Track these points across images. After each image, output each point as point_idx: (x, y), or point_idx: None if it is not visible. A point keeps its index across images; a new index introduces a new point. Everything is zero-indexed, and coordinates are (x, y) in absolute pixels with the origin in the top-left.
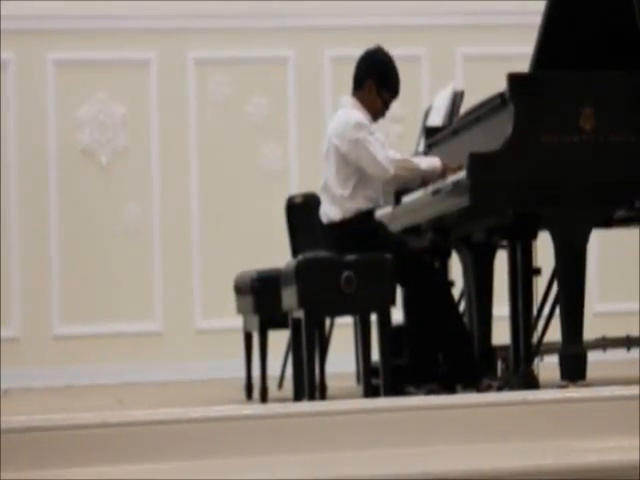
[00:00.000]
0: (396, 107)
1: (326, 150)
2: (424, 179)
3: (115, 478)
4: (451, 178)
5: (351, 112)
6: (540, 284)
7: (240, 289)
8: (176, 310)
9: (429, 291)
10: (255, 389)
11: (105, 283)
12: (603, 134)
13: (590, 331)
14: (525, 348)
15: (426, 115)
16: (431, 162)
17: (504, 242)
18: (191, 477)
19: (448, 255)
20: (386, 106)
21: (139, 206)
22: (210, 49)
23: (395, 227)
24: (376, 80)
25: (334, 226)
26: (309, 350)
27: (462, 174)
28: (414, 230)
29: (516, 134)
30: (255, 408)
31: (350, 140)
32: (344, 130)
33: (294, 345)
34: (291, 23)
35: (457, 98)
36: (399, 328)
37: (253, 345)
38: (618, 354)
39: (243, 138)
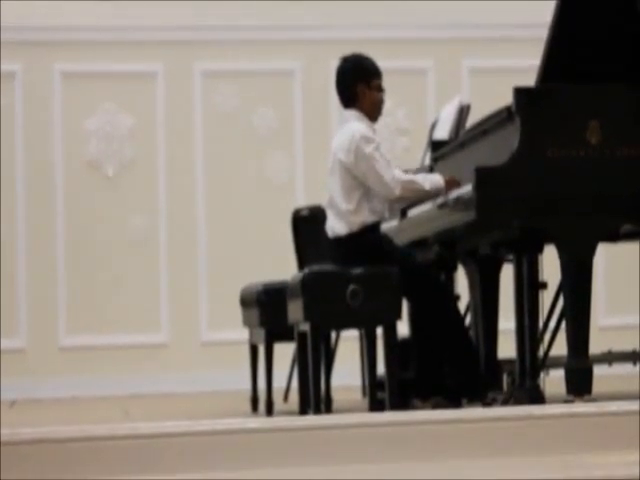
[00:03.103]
0: (402, 120)
1: (331, 165)
2: (429, 197)
3: None
4: (456, 192)
5: (355, 125)
6: (546, 298)
7: (246, 301)
8: (182, 322)
9: (435, 305)
10: (261, 402)
11: (111, 294)
12: (610, 148)
13: (596, 345)
14: (531, 362)
15: (432, 128)
16: (434, 181)
17: (510, 256)
18: None
19: (454, 268)
20: (382, 92)
21: (145, 218)
22: (217, 61)
23: (401, 240)
24: (363, 81)
25: (340, 240)
26: (315, 363)
27: (467, 188)
28: (420, 243)
29: (522, 148)
30: (261, 421)
31: (357, 154)
32: (349, 144)
33: (300, 358)
34: (297, 35)
35: (463, 111)
36: (405, 341)
37: (259, 358)
38: (624, 368)
39: (249, 150)
